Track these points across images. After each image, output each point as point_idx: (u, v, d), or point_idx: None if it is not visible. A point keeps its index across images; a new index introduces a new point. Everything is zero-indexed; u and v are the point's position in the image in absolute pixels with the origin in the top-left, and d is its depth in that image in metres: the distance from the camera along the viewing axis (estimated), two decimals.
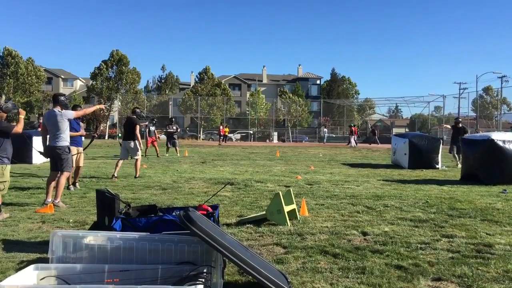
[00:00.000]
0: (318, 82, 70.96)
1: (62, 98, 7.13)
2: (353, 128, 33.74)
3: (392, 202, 7.19)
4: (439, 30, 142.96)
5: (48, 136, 7.01)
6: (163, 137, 25.02)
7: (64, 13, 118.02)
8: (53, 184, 6.82)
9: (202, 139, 49.28)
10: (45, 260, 3.40)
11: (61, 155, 6.83)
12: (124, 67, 50.74)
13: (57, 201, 6.57)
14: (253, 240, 4.77)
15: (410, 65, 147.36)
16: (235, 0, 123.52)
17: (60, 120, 6.83)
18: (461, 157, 12.89)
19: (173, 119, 21.92)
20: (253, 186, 8.98)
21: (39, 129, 15.57)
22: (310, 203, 7.01)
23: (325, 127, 48.49)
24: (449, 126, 18.65)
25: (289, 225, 5.40)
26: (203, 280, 2.76)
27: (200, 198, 7.42)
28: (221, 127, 36.67)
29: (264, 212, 5.67)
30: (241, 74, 71.80)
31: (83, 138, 9.23)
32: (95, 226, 4.29)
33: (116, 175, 10.09)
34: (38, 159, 13.54)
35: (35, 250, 4.25)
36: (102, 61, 51.10)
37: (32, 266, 2.91)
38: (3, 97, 44.63)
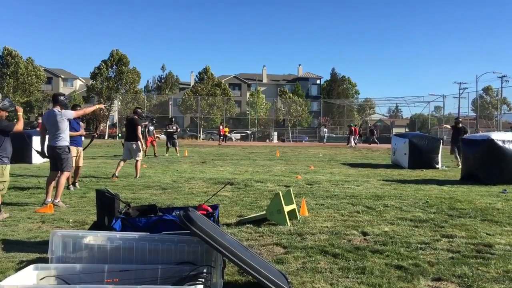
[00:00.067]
0: (318, 82, 70.94)
1: (62, 98, 7.13)
2: (353, 128, 33.73)
3: (392, 202, 7.19)
4: (439, 30, 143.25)
5: (47, 136, 7.01)
6: (163, 137, 25.04)
7: (64, 13, 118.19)
8: (53, 184, 6.82)
9: (202, 139, 49.28)
10: (45, 260, 3.39)
11: (61, 155, 6.83)
12: (124, 67, 50.74)
13: (57, 201, 6.57)
14: (253, 240, 4.77)
15: (410, 65, 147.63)
16: (235, 0, 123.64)
17: (60, 120, 6.83)
18: (461, 157, 12.89)
19: (173, 119, 21.92)
20: (253, 186, 8.98)
21: (37, 129, 15.56)
22: (310, 203, 7.01)
23: (325, 127, 48.49)
24: (449, 126, 18.65)
25: (289, 225, 5.39)
26: (203, 280, 2.76)
27: (200, 198, 7.42)
28: (221, 127, 36.66)
29: (264, 212, 5.66)
30: (241, 74, 71.78)
31: (83, 138, 9.23)
32: (95, 226, 4.28)
33: (117, 175, 10.10)
34: (38, 159, 13.53)
35: (35, 250, 4.25)
36: (102, 61, 51.10)
37: (31, 266, 2.90)
38: (0, 95, 44.57)
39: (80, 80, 69.35)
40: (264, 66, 72.29)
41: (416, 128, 58.33)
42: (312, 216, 6.06)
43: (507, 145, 9.88)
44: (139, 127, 10.45)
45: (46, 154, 7.07)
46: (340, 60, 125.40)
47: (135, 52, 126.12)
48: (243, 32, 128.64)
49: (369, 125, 48.79)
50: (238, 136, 51.34)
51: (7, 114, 6.06)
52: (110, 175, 10.47)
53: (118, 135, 45.71)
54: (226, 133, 38.66)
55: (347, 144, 32.83)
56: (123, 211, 4.07)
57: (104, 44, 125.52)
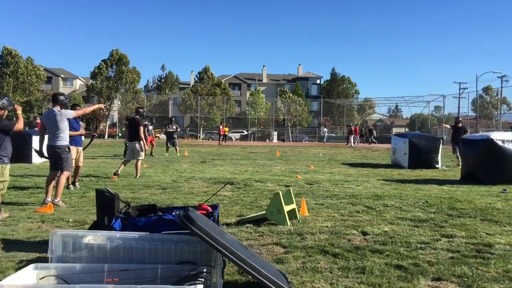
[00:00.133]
0: (318, 81, 70.93)
1: (62, 97, 7.12)
2: (352, 127, 33.73)
3: (392, 202, 7.19)
4: (439, 30, 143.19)
5: (47, 136, 7.01)
6: (163, 136, 25.02)
7: (64, 12, 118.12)
8: (52, 183, 6.82)
9: (202, 139, 49.28)
10: (45, 260, 3.39)
11: (61, 154, 6.83)
12: (124, 67, 50.75)
13: (56, 200, 6.57)
14: (253, 240, 4.77)
15: (410, 65, 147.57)
16: (235, 0, 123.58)
17: (60, 120, 6.82)
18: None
19: (173, 118, 21.93)
20: (253, 186, 8.98)
21: (36, 129, 15.56)
22: (310, 202, 7.01)
23: (325, 127, 48.51)
24: (448, 126, 18.64)
25: (289, 224, 5.39)
26: (203, 279, 2.76)
27: (200, 197, 7.42)
28: (221, 126, 36.67)
29: (264, 212, 5.66)
30: (241, 73, 71.77)
31: (82, 137, 9.23)
32: (95, 226, 4.28)
33: (119, 173, 10.14)
34: (38, 158, 13.52)
35: (35, 249, 4.24)
36: (102, 61, 51.12)
37: (31, 266, 2.90)
38: None
39: (80, 79, 69.33)
40: (264, 66, 72.42)
41: (416, 128, 58.34)
42: (312, 215, 6.06)
43: (506, 145, 9.88)
44: (141, 127, 10.45)
45: (44, 154, 7.08)
46: (340, 60, 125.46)
47: (135, 52, 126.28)
48: (243, 32, 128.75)
49: (368, 124, 48.74)
50: (238, 135, 51.32)
51: (7, 113, 6.05)
52: (110, 174, 10.48)
53: (118, 134, 45.72)
54: (226, 133, 38.65)
55: (347, 144, 32.85)
56: (123, 211, 4.07)
57: (104, 43, 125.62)
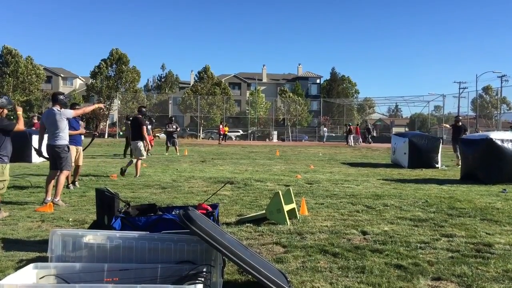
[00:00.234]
0: (318, 81, 70.94)
1: (61, 97, 7.12)
2: (351, 127, 33.73)
3: (392, 202, 7.19)
4: (439, 30, 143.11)
5: (47, 135, 7.01)
6: (163, 136, 25.02)
7: (64, 12, 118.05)
8: (52, 182, 6.82)
9: (202, 138, 49.27)
10: (45, 259, 3.40)
11: (60, 153, 6.83)
12: (123, 66, 50.73)
13: (56, 200, 6.57)
14: (253, 239, 4.77)
15: (410, 64, 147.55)
16: (235, 0, 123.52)
17: (59, 119, 6.82)
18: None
19: (173, 118, 21.93)
20: (252, 185, 8.98)
21: (33, 128, 15.54)
22: (310, 202, 7.01)
23: (324, 126, 48.47)
24: (448, 126, 18.63)
25: (288, 224, 5.39)
26: (203, 279, 2.76)
27: (199, 197, 7.42)
28: (220, 126, 36.65)
29: (263, 211, 5.67)
30: (241, 73, 71.77)
31: (82, 137, 9.23)
32: (95, 225, 4.28)
33: (126, 170, 10.17)
34: (38, 158, 13.52)
35: (35, 249, 4.24)
36: (102, 60, 51.09)
37: (31, 265, 2.90)
38: None
39: (80, 79, 69.32)
40: (264, 65, 72.43)
41: (416, 128, 58.35)
42: (311, 215, 6.06)
43: (506, 145, 9.88)
44: (144, 127, 10.45)
45: (43, 154, 7.08)
46: (340, 59, 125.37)
47: (135, 51, 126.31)
48: (243, 32, 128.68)
49: (367, 124, 48.73)
50: (238, 134, 51.31)
51: (6, 112, 6.05)
52: (110, 173, 10.49)
53: (119, 133, 45.72)
54: (226, 132, 38.65)
55: (347, 144, 32.85)
56: (123, 210, 4.08)
57: (104, 43, 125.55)
